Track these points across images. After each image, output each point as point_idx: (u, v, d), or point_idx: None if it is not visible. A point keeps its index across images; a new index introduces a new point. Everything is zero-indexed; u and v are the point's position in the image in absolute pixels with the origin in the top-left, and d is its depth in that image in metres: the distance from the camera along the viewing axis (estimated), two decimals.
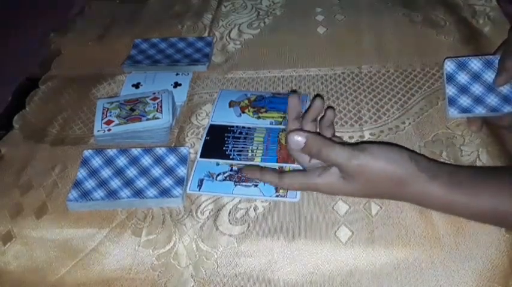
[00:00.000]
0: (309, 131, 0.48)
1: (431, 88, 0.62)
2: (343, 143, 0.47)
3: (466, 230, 0.46)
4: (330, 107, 0.52)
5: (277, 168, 0.54)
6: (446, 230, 0.46)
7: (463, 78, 0.55)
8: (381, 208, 0.49)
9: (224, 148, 0.56)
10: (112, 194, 0.52)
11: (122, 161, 0.55)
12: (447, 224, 0.47)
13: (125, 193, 0.52)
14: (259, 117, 0.59)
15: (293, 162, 0.54)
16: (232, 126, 0.59)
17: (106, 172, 0.55)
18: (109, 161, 0.55)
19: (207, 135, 0.58)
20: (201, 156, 0.56)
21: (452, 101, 0.54)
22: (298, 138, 0.47)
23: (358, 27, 0.73)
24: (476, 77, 0.55)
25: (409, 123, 0.58)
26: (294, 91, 0.64)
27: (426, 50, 0.67)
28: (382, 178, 0.44)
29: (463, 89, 0.55)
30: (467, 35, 0.69)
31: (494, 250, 0.45)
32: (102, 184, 0.53)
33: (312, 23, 0.75)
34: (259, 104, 0.61)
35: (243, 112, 0.60)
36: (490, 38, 0.67)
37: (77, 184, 0.53)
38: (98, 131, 0.59)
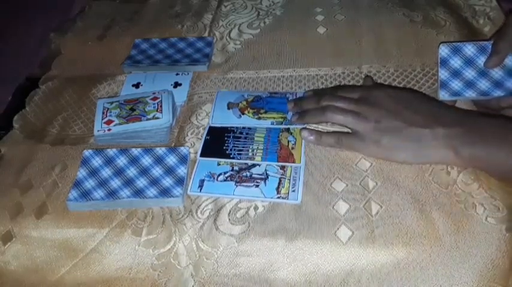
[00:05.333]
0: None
1: (431, 88, 0.62)
2: None
3: (466, 229, 0.46)
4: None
5: (278, 167, 0.54)
6: (446, 230, 0.46)
7: (456, 62, 0.56)
8: (381, 207, 0.49)
9: (224, 148, 0.56)
10: (112, 194, 0.52)
11: (122, 161, 0.55)
12: (447, 224, 0.47)
13: (125, 192, 0.52)
14: (259, 118, 0.59)
15: (293, 161, 0.54)
16: (233, 127, 0.59)
17: (106, 172, 0.55)
18: (109, 161, 0.55)
19: (207, 135, 0.58)
20: (201, 155, 0.56)
21: (443, 84, 0.56)
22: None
23: (358, 27, 0.73)
24: (469, 61, 0.56)
25: None
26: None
27: (426, 50, 0.67)
28: None
29: (456, 73, 0.56)
30: (467, 35, 0.68)
31: (495, 249, 0.45)
32: (102, 183, 0.53)
33: (312, 23, 0.75)
34: (258, 105, 0.61)
35: (243, 113, 0.60)
36: None
37: (77, 183, 0.53)
38: (98, 131, 0.58)
